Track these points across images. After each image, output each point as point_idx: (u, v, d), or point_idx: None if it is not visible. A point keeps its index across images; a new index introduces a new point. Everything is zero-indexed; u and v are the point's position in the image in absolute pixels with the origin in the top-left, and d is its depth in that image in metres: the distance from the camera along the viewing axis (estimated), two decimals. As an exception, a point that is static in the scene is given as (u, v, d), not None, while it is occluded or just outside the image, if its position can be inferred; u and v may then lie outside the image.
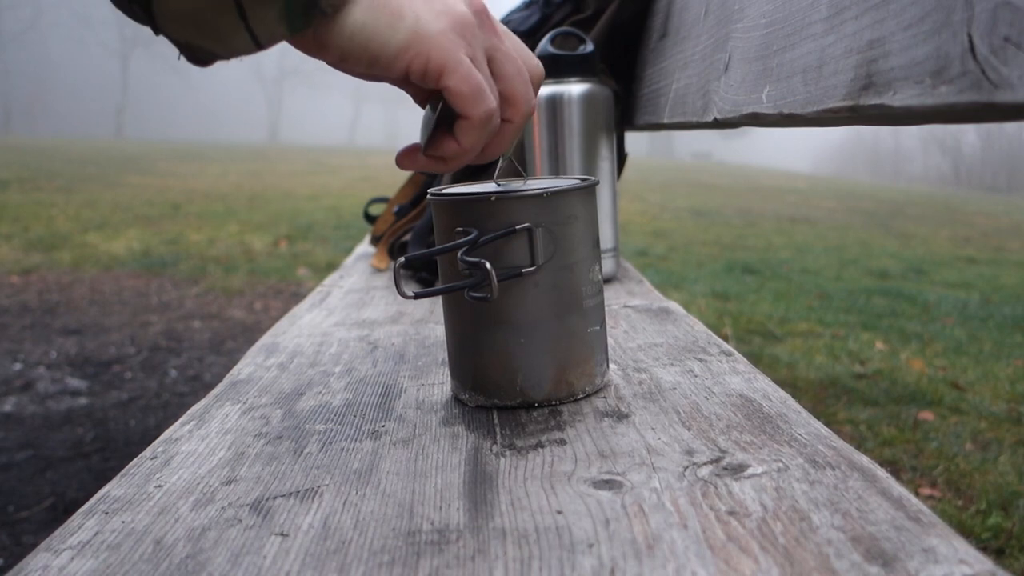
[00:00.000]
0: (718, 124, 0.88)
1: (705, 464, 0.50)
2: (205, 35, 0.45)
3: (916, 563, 0.36)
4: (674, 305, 0.99)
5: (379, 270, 1.39)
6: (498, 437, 0.58)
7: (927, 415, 2.23)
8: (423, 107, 0.56)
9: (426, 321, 0.98)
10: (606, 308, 0.67)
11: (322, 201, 8.76)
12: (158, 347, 2.99)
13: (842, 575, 0.36)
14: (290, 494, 0.51)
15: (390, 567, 0.41)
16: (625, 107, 1.33)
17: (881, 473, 0.47)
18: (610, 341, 0.80)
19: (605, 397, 0.65)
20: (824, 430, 0.54)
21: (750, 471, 0.48)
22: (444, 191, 0.66)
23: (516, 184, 0.64)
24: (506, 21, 1.41)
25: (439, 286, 0.62)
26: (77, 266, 4.70)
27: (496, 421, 0.61)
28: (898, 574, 0.36)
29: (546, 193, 0.61)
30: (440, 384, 0.72)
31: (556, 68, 1.10)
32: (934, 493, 1.74)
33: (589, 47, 1.11)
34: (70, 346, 2.99)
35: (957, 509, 1.65)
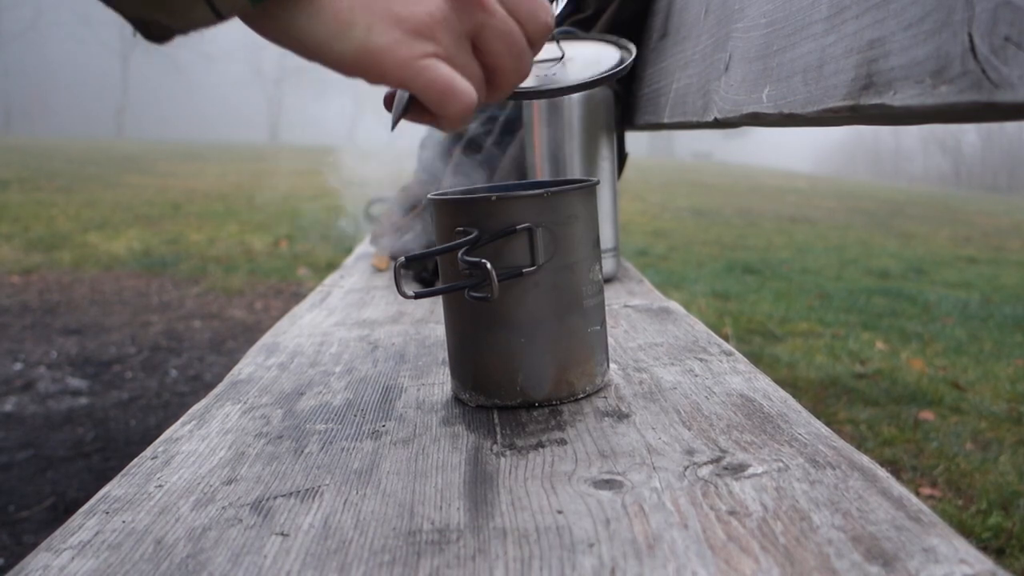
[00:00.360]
0: (718, 124, 0.87)
1: (705, 464, 0.50)
2: (159, 6, 0.41)
3: (916, 563, 0.36)
4: (674, 305, 0.99)
5: (380, 270, 1.39)
6: (498, 437, 0.58)
7: (927, 415, 2.23)
8: None
9: (426, 321, 0.98)
10: (606, 308, 0.67)
11: (323, 201, 8.76)
12: (159, 347, 2.99)
13: (843, 575, 0.36)
14: (290, 494, 0.51)
15: (390, 567, 0.41)
16: (625, 107, 1.33)
17: (881, 473, 0.47)
18: (610, 341, 0.80)
19: (605, 397, 0.65)
20: (824, 430, 0.54)
21: (750, 471, 0.48)
22: (445, 191, 0.66)
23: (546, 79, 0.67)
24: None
25: (440, 286, 0.62)
26: (77, 266, 4.70)
27: (496, 421, 0.61)
28: (899, 574, 0.36)
29: (546, 193, 0.61)
30: (440, 384, 0.72)
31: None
32: (934, 493, 1.74)
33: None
34: (71, 346, 2.99)
35: (957, 509, 1.65)
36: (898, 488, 0.44)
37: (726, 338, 2.97)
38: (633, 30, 1.34)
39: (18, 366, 2.74)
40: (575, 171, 1.10)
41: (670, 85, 1.11)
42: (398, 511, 0.47)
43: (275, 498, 0.50)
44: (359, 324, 0.99)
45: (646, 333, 0.85)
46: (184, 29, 0.43)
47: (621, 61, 0.59)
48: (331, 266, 4.55)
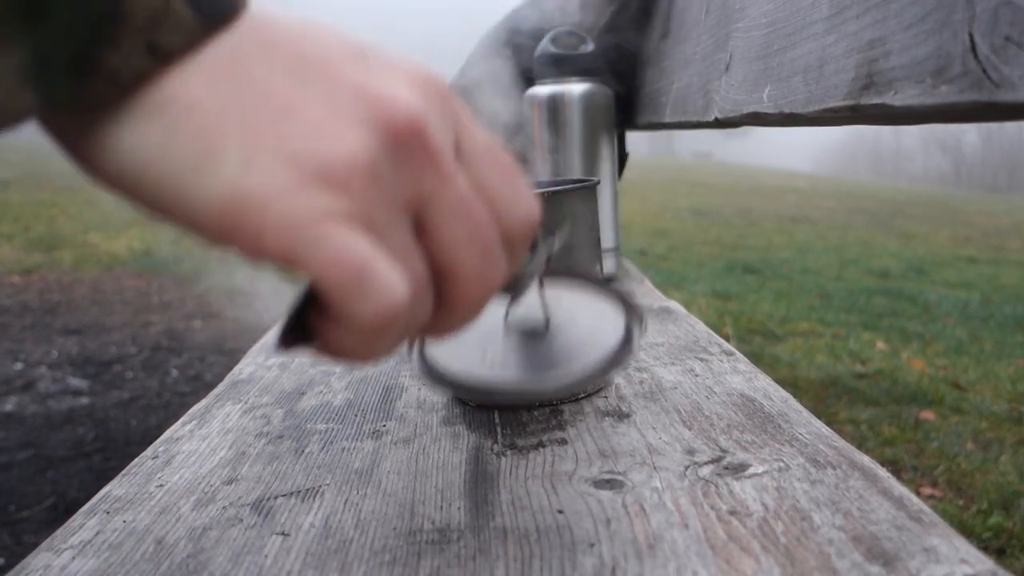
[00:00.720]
0: (719, 123, 0.88)
1: (706, 463, 0.50)
2: None
3: (917, 563, 0.36)
4: (675, 305, 0.99)
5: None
6: (499, 437, 0.58)
7: (928, 415, 2.23)
8: None
9: (427, 321, 0.98)
10: (607, 308, 0.67)
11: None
12: (159, 347, 2.99)
13: (843, 575, 0.36)
14: (291, 493, 0.51)
15: (391, 566, 0.41)
16: (626, 106, 1.33)
17: (882, 473, 0.47)
18: (611, 341, 0.80)
19: (606, 396, 0.65)
20: (825, 430, 0.54)
21: (751, 471, 0.48)
22: None
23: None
24: (507, 20, 1.41)
25: (440, 286, 0.62)
26: (78, 266, 4.70)
27: (497, 421, 0.61)
28: (899, 574, 0.36)
29: (547, 193, 0.61)
30: (441, 384, 0.72)
31: (557, 67, 1.10)
32: (935, 493, 1.74)
33: (590, 46, 1.11)
34: (71, 346, 2.99)
35: (958, 509, 1.65)
36: (899, 488, 0.44)
37: (727, 338, 2.97)
38: (634, 30, 1.34)
39: (19, 366, 2.74)
40: (575, 171, 1.10)
41: (671, 85, 1.11)
42: (399, 511, 0.47)
43: (276, 498, 0.50)
44: (359, 324, 0.99)
45: (647, 333, 0.85)
46: None
47: (627, 339, 0.40)
48: (331, 266, 4.54)
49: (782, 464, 0.49)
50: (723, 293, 4.11)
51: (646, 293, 1.08)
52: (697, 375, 0.69)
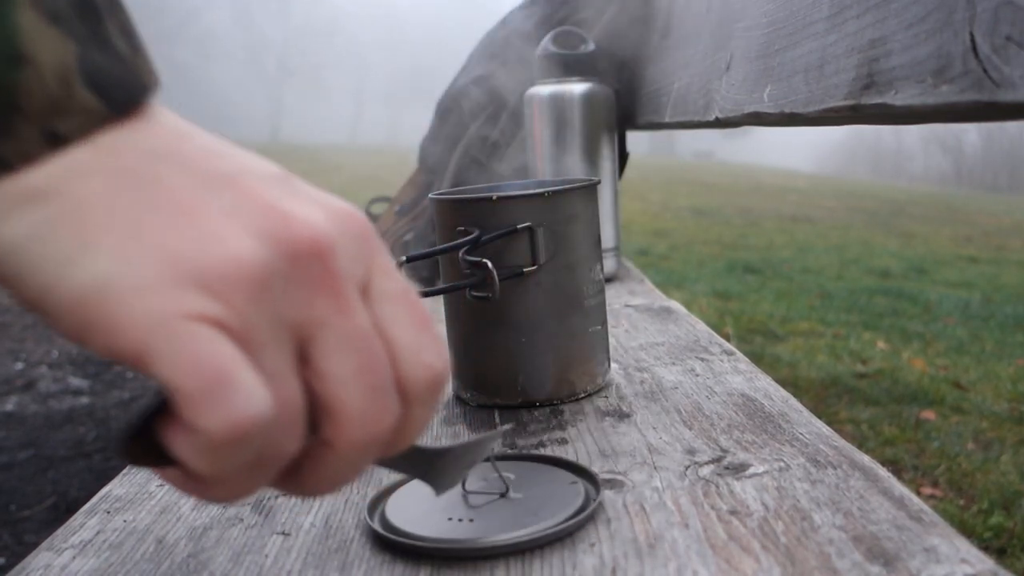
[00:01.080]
0: (720, 123, 0.88)
1: (706, 463, 0.50)
2: None
3: (918, 562, 0.36)
4: (675, 304, 0.99)
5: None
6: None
7: (929, 415, 2.23)
8: None
9: (427, 320, 0.98)
10: (607, 307, 0.67)
11: (323, 200, 8.75)
12: (160, 346, 2.99)
13: (843, 574, 0.36)
14: (292, 493, 0.51)
15: (392, 566, 0.41)
16: (626, 106, 1.33)
17: (882, 473, 0.47)
18: (611, 340, 0.80)
19: (606, 396, 0.65)
20: (825, 429, 0.54)
21: (751, 470, 0.48)
22: (446, 191, 0.66)
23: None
24: (507, 20, 1.41)
25: (441, 285, 0.62)
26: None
27: (497, 420, 0.61)
28: (899, 573, 0.36)
29: (547, 193, 0.61)
30: (441, 383, 0.72)
31: (558, 67, 1.10)
32: (935, 493, 1.74)
33: (591, 46, 1.11)
34: (71, 345, 3.00)
35: (959, 509, 1.65)
36: (899, 488, 0.44)
37: (727, 338, 2.97)
38: (634, 30, 1.34)
39: (19, 365, 2.74)
40: (576, 171, 1.10)
41: (671, 84, 1.11)
42: (399, 510, 0.47)
43: (276, 497, 0.50)
44: (360, 323, 0.99)
45: (647, 333, 0.85)
46: None
47: (582, 509, 0.43)
48: (332, 265, 4.54)
49: (782, 464, 0.49)
50: (724, 293, 4.11)
51: (647, 293, 1.08)
52: (698, 375, 0.69)
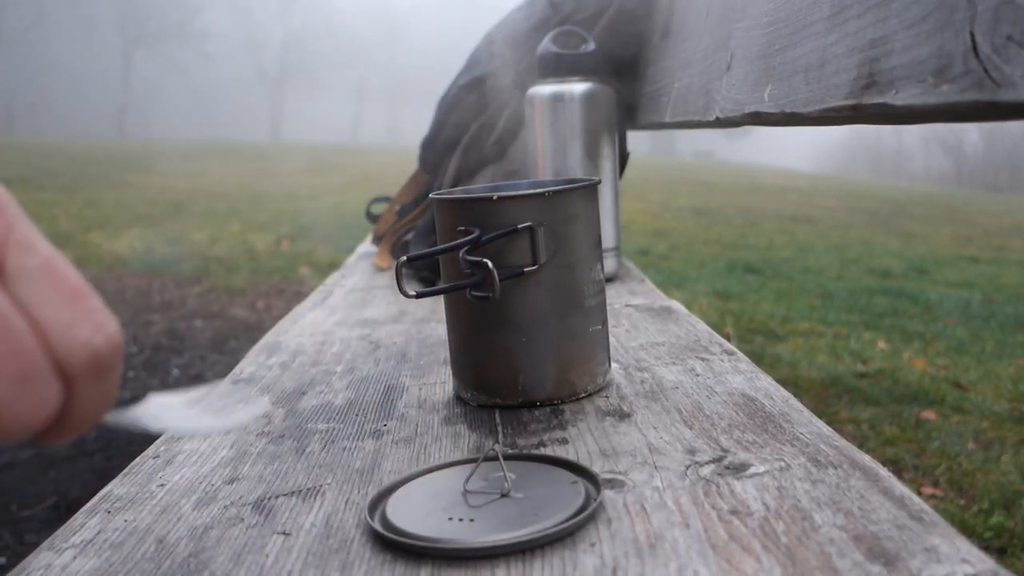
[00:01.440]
0: (720, 123, 0.87)
1: (707, 463, 0.50)
2: None
3: (918, 562, 0.36)
4: (676, 304, 0.99)
5: (381, 269, 1.40)
6: (500, 436, 0.58)
7: (929, 414, 2.22)
8: None
9: (428, 320, 0.98)
10: (608, 307, 0.67)
11: (324, 200, 8.76)
12: (160, 346, 2.99)
13: (844, 574, 0.36)
14: (292, 493, 0.51)
15: (392, 565, 0.41)
16: (627, 106, 1.33)
17: (883, 472, 0.47)
18: (612, 340, 0.80)
19: (607, 396, 0.65)
20: (826, 429, 0.54)
21: (752, 470, 0.48)
22: (446, 191, 0.66)
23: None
24: (508, 20, 1.41)
25: (441, 285, 0.62)
26: (80, 265, 4.70)
27: (498, 420, 0.61)
28: (900, 573, 0.36)
29: (548, 193, 0.61)
30: (442, 383, 0.72)
31: (558, 67, 1.09)
32: (936, 492, 1.74)
33: (591, 46, 1.11)
34: (72, 345, 2.99)
35: (959, 508, 1.65)
36: (900, 488, 0.44)
37: (727, 338, 2.97)
38: (635, 29, 1.34)
39: (20, 365, 2.74)
40: (576, 171, 1.10)
41: (672, 84, 1.11)
42: (400, 510, 0.47)
43: (277, 497, 0.50)
44: (361, 323, 0.99)
45: (647, 332, 0.85)
46: None
47: (582, 508, 0.43)
48: (333, 265, 4.55)
49: (783, 464, 0.49)
50: (724, 293, 4.10)
51: (647, 292, 1.08)
52: (698, 375, 0.69)
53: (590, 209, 0.64)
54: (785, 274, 4.93)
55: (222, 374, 0.84)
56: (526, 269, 0.60)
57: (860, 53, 0.53)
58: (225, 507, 0.49)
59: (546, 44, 1.11)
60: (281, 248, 5.54)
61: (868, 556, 0.37)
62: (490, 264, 0.57)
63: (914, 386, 2.48)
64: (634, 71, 1.35)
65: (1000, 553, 1.48)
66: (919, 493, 1.72)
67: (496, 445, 0.54)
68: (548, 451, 0.54)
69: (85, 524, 0.48)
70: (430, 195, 0.66)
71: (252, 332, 3.16)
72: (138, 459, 0.59)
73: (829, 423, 0.56)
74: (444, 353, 0.82)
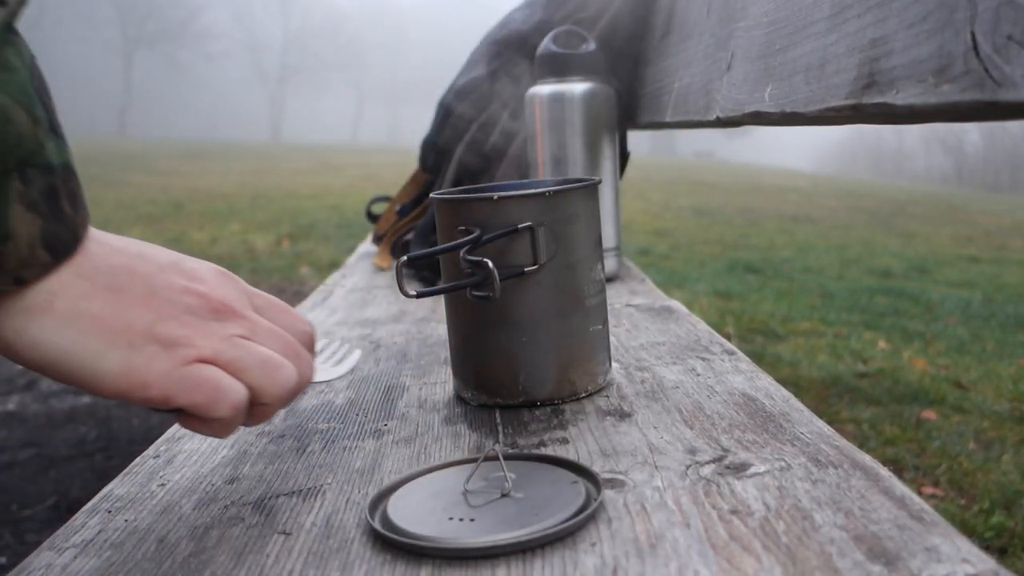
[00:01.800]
0: (720, 123, 0.87)
1: (707, 463, 0.50)
2: None
3: (919, 562, 0.36)
4: (676, 304, 0.99)
5: (381, 269, 1.40)
6: (500, 436, 0.58)
7: (930, 414, 2.22)
8: None
9: (428, 320, 0.98)
10: (608, 307, 0.67)
11: (325, 200, 8.76)
12: (161, 346, 2.99)
13: (844, 574, 0.36)
14: (293, 493, 0.51)
15: (392, 565, 0.41)
16: (627, 106, 1.33)
17: (884, 472, 0.47)
18: (612, 340, 0.80)
19: (607, 396, 0.65)
20: (827, 429, 0.54)
21: (752, 470, 0.48)
22: (447, 191, 0.66)
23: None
24: (508, 20, 1.41)
25: (441, 285, 0.62)
26: (80, 265, 4.68)
27: (498, 420, 0.61)
28: (901, 573, 0.36)
29: (548, 192, 0.61)
30: (442, 383, 0.72)
31: (558, 67, 1.10)
32: (937, 492, 1.74)
33: (591, 46, 1.11)
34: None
35: (960, 508, 1.65)
36: (900, 487, 0.44)
37: (728, 337, 2.97)
38: (635, 28, 1.34)
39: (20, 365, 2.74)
40: (577, 170, 1.10)
41: (672, 84, 1.11)
42: (400, 510, 0.47)
43: (277, 497, 0.50)
44: (361, 323, 0.99)
45: (648, 332, 0.85)
46: None
47: (583, 508, 0.43)
48: (333, 265, 4.55)
49: (783, 463, 0.49)
50: (724, 292, 4.10)
51: (648, 292, 1.08)
52: (699, 374, 0.69)
53: (591, 209, 0.64)
54: (786, 274, 4.93)
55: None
56: (526, 269, 0.60)
57: (860, 53, 0.53)
58: (226, 507, 0.49)
59: (546, 44, 1.11)
60: (281, 248, 5.54)
61: (869, 556, 0.37)
62: (490, 264, 0.57)
63: (915, 386, 2.48)
64: (634, 71, 1.35)
65: (1001, 553, 1.48)
66: (920, 493, 1.72)
67: (496, 445, 0.54)
68: (548, 451, 0.54)
69: (86, 524, 0.48)
70: (430, 195, 0.66)
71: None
72: (138, 459, 0.59)
73: (830, 423, 0.56)
74: (444, 353, 0.82)
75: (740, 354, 0.74)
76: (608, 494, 0.46)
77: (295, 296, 3.87)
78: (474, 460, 0.51)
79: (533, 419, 0.61)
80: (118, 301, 0.41)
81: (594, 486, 0.46)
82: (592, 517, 0.43)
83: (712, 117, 0.89)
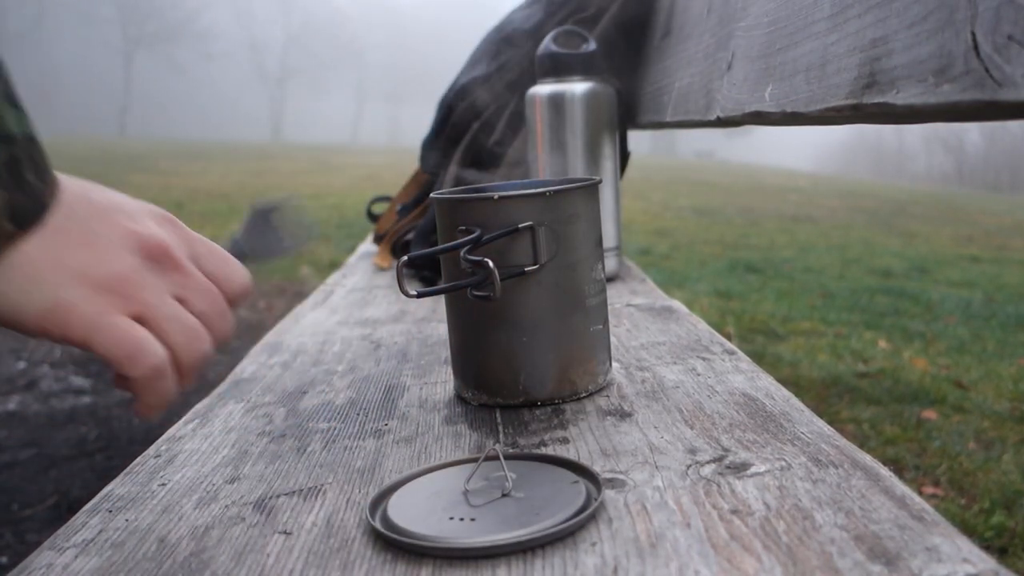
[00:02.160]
0: (721, 123, 0.87)
1: (708, 463, 0.50)
2: None
3: (919, 562, 0.36)
4: (677, 304, 0.99)
5: (382, 269, 1.40)
6: (501, 436, 0.58)
7: (930, 414, 2.22)
8: None
9: (429, 320, 0.98)
10: (609, 307, 0.67)
11: (325, 200, 8.76)
12: (161, 346, 2.99)
13: (845, 574, 0.36)
14: (293, 492, 0.51)
15: (393, 565, 0.41)
16: (628, 106, 1.33)
17: (884, 472, 0.47)
18: (613, 340, 0.80)
19: (608, 396, 0.65)
20: (827, 429, 0.54)
21: (753, 470, 0.48)
22: (447, 191, 0.66)
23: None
24: (508, 20, 1.41)
25: (442, 285, 0.62)
26: (80, 265, 4.69)
27: (499, 420, 0.61)
28: (901, 573, 0.36)
29: (549, 192, 0.61)
30: (443, 383, 0.72)
31: (559, 67, 1.09)
32: (937, 492, 1.74)
33: (592, 46, 1.11)
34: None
35: (960, 508, 1.65)
36: (901, 487, 0.44)
37: (728, 337, 2.97)
38: (635, 28, 1.34)
39: (21, 364, 2.74)
40: (578, 170, 1.10)
41: (672, 84, 1.11)
42: (401, 510, 0.47)
43: (278, 497, 0.50)
44: (362, 323, 0.99)
45: (648, 332, 0.85)
46: None
47: (583, 508, 0.43)
48: (334, 265, 4.55)
49: (784, 463, 0.49)
50: (725, 292, 4.10)
51: (648, 292, 1.08)
52: (699, 374, 0.69)
53: (591, 209, 0.64)
54: (786, 274, 4.93)
55: (223, 374, 0.84)
56: (527, 269, 0.60)
57: (861, 52, 0.53)
58: (226, 506, 0.49)
59: (547, 44, 1.11)
60: (282, 248, 5.53)
61: (869, 556, 0.37)
62: (491, 264, 0.57)
63: (915, 385, 2.48)
64: (635, 70, 1.35)
65: (1001, 553, 1.48)
66: (920, 493, 1.72)
67: (497, 444, 0.54)
68: (549, 450, 0.54)
69: (86, 523, 0.48)
70: (431, 195, 0.66)
71: (253, 332, 3.16)
72: (139, 459, 0.59)
73: (830, 423, 0.56)
74: (445, 352, 0.82)
75: (740, 354, 0.74)
76: (608, 494, 0.46)
77: (296, 296, 3.87)
78: (475, 460, 0.51)
79: (533, 419, 0.61)
80: (53, 242, 0.41)
81: (594, 486, 0.46)
82: (592, 517, 0.43)
83: (712, 117, 0.89)
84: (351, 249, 2.15)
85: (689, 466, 0.49)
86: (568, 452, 0.53)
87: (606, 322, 0.66)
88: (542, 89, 1.10)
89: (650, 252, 5.65)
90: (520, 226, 0.60)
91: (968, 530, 1.54)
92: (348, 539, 0.44)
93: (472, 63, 1.41)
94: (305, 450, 0.58)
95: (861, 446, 0.53)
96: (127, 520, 0.48)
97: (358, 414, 0.65)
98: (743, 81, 0.78)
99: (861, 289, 4.43)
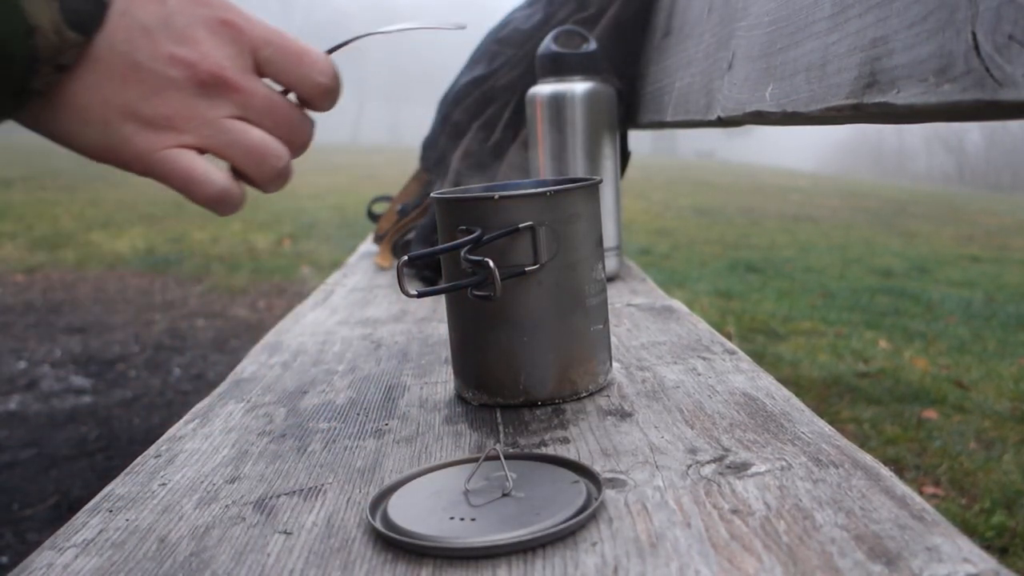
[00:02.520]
0: (721, 122, 0.87)
1: (708, 462, 0.50)
2: None
3: (920, 562, 0.36)
4: (677, 304, 0.99)
5: (383, 268, 1.40)
6: (501, 436, 0.58)
7: (931, 414, 2.22)
8: None
9: (429, 320, 0.98)
10: (609, 306, 0.67)
11: (325, 199, 8.76)
12: (162, 345, 2.99)
13: (845, 574, 0.36)
14: (293, 492, 0.51)
15: (393, 565, 0.41)
16: (628, 105, 1.33)
17: (884, 472, 0.46)
18: (613, 339, 0.80)
19: (608, 395, 0.65)
20: (827, 429, 0.54)
21: (753, 469, 0.48)
22: (448, 191, 0.66)
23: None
24: (509, 20, 1.41)
25: (442, 285, 0.62)
26: (81, 265, 4.71)
27: (499, 420, 0.61)
28: (902, 573, 0.36)
29: (549, 192, 0.61)
30: (443, 382, 0.72)
31: (559, 67, 1.09)
32: (938, 492, 1.74)
33: (592, 45, 1.11)
34: (74, 344, 3.00)
35: (961, 508, 1.65)
36: (901, 487, 0.44)
37: (729, 337, 2.97)
38: (636, 28, 1.34)
39: (22, 364, 2.74)
40: (578, 170, 1.10)
41: (673, 84, 1.11)
42: (401, 510, 0.47)
43: (278, 496, 0.50)
44: (362, 323, 0.99)
45: (649, 332, 0.85)
46: None
47: (584, 508, 0.43)
48: (334, 265, 4.55)
49: (784, 463, 0.49)
50: (725, 292, 4.10)
51: (648, 292, 1.08)
52: (699, 374, 0.69)
53: (591, 208, 0.64)
54: (787, 273, 4.93)
55: (223, 374, 0.84)
56: (527, 268, 0.60)
57: (861, 52, 0.53)
58: (226, 506, 0.49)
59: (547, 44, 1.11)
60: (282, 247, 5.54)
61: (869, 555, 0.37)
62: (491, 263, 0.57)
63: (916, 385, 2.48)
64: (635, 70, 1.35)
65: (1002, 552, 1.48)
66: (921, 492, 1.72)
67: (497, 444, 0.54)
68: (549, 450, 0.54)
69: (87, 523, 0.48)
70: (431, 194, 0.66)
71: (253, 331, 3.17)
72: (139, 458, 0.59)
73: (830, 422, 0.56)
74: (445, 352, 0.82)
75: (741, 354, 0.74)
76: (609, 494, 0.46)
77: (296, 296, 3.88)
78: (475, 460, 0.51)
79: (534, 419, 0.61)
80: (97, 80, 0.40)
81: (595, 486, 0.46)
82: (593, 517, 0.43)
83: (713, 117, 0.89)
84: (352, 249, 2.16)
85: (689, 466, 0.49)
86: (568, 452, 0.53)
87: (606, 322, 0.66)
88: (542, 89, 1.10)
89: (650, 252, 5.65)
90: (520, 226, 0.60)
91: (969, 530, 1.54)
92: (348, 539, 0.44)
93: (472, 63, 1.41)
94: (305, 450, 0.58)
95: (862, 446, 0.53)
96: (127, 520, 0.48)
97: (358, 414, 0.65)
98: (744, 81, 0.78)
99: (862, 289, 4.43)
